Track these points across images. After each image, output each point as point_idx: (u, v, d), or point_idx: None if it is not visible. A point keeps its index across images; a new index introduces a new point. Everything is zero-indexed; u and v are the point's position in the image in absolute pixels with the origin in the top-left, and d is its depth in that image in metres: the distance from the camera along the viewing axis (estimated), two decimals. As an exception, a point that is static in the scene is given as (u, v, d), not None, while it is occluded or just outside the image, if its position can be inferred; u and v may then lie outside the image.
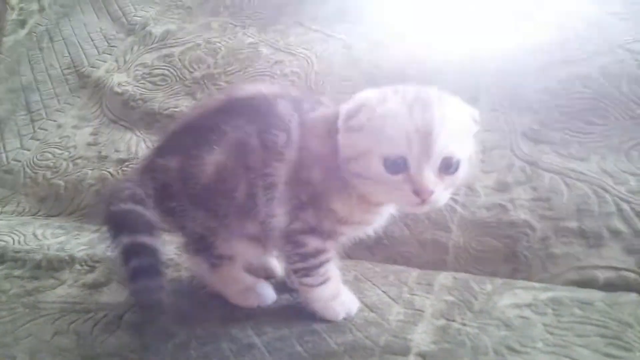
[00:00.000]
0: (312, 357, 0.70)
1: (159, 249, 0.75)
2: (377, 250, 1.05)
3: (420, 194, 0.65)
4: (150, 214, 0.77)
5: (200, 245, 0.81)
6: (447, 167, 0.67)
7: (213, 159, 0.75)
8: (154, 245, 0.75)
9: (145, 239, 0.74)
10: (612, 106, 1.09)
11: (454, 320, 0.77)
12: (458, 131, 0.68)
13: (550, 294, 0.82)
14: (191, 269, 0.93)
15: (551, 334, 0.73)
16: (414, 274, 0.93)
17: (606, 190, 0.97)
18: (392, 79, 1.15)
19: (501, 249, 0.97)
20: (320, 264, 0.77)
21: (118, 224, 0.75)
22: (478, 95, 1.20)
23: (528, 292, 0.84)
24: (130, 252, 0.73)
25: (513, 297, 0.83)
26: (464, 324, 0.76)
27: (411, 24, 1.44)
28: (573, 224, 0.95)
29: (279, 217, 0.75)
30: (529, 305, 0.80)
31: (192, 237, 0.82)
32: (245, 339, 0.74)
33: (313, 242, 0.76)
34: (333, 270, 0.80)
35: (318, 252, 0.77)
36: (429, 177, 0.65)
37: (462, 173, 0.69)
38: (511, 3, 1.37)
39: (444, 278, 0.91)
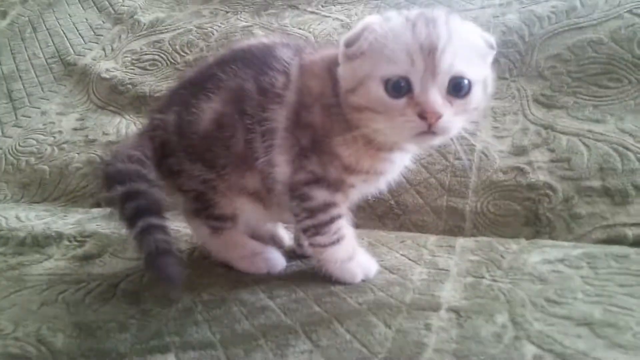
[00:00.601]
0: (334, 317, 0.63)
1: (157, 195, 0.69)
2: (389, 220, 0.99)
3: (426, 116, 0.58)
4: (148, 170, 0.71)
5: (200, 204, 0.75)
6: (457, 88, 0.60)
7: (209, 107, 0.71)
8: (151, 192, 0.68)
9: (142, 186, 0.68)
10: (625, 69, 1.05)
11: (483, 277, 0.71)
12: (468, 51, 0.61)
13: (581, 250, 0.77)
14: (193, 236, 0.86)
15: (591, 285, 0.66)
16: (432, 238, 0.87)
17: (628, 149, 0.93)
18: None
19: (521, 212, 0.92)
20: (331, 220, 0.70)
21: (114, 179, 0.69)
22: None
23: (558, 250, 0.78)
24: (127, 197, 0.67)
25: (542, 254, 0.77)
26: (495, 280, 0.70)
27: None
28: (596, 183, 0.90)
29: (281, 167, 0.69)
30: (561, 261, 0.74)
31: (191, 195, 0.76)
32: (257, 302, 0.67)
33: (320, 195, 0.69)
34: (346, 228, 0.73)
35: (327, 206, 0.70)
36: (436, 97, 0.58)
37: (475, 98, 0.62)
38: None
39: (465, 241, 0.85)
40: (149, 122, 0.81)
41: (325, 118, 0.66)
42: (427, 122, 0.58)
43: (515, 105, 1.08)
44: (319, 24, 1.44)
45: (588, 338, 0.56)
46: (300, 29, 1.45)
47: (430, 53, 0.58)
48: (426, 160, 1.02)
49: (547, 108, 1.06)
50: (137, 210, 0.65)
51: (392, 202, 0.99)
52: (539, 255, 0.77)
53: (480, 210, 0.94)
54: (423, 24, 0.59)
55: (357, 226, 0.93)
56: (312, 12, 1.52)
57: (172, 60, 1.50)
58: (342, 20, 1.43)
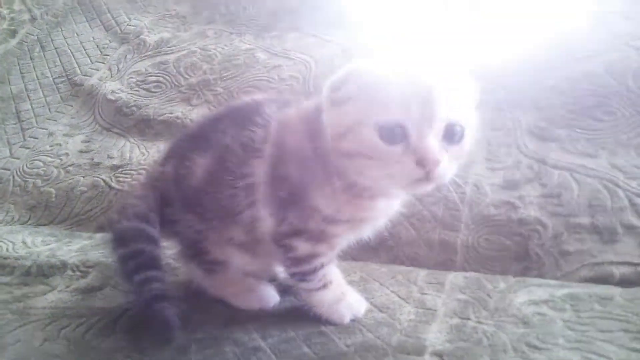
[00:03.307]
0: (321, 359, 0.65)
1: (158, 253, 0.75)
2: (383, 251, 1.01)
3: (425, 164, 0.58)
4: (152, 229, 0.76)
5: (194, 250, 0.79)
6: (452, 134, 0.59)
7: (202, 162, 0.75)
8: (153, 251, 0.74)
9: (144, 246, 0.74)
10: (619, 102, 1.07)
11: (468, 319, 0.73)
12: (460, 97, 0.61)
13: (566, 291, 0.79)
14: (188, 275, 0.89)
15: (572, 330, 0.68)
16: (422, 273, 0.90)
17: (618, 185, 0.94)
18: None
19: (512, 248, 0.94)
20: (315, 269, 0.72)
21: (120, 239, 0.75)
22: (481, 95, 1.18)
23: (543, 289, 0.80)
24: (129, 256, 0.73)
25: (528, 294, 0.79)
26: (480, 322, 0.72)
27: (410, 26, 1.42)
28: (585, 220, 0.92)
29: (265, 220, 0.71)
30: (545, 302, 0.76)
31: (186, 242, 0.80)
32: (249, 342, 0.70)
33: (302, 246, 0.71)
34: (333, 273, 0.76)
35: (310, 257, 0.72)
36: (433, 144, 0.58)
37: (467, 144, 0.62)
38: (512, 3, 1.36)
39: (454, 277, 0.87)
40: (152, 171, 0.86)
41: (301, 171, 0.68)
42: (425, 170, 0.58)
43: (509, 137, 1.10)
44: (320, 49, 1.47)
45: (564, 388, 0.58)
46: (301, 53, 1.48)
47: (426, 99, 0.58)
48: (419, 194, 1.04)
49: (541, 140, 1.07)
50: (135, 267, 0.70)
51: (386, 234, 1.01)
52: (525, 295, 0.79)
53: (471, 244, 0.96)
54: (416, 70, 0.60)
55: (351, 258, 0.97)
56: (314, 36, 1.54)
57: (176, 83, 1.53)
58: (342, 45, 1.45)
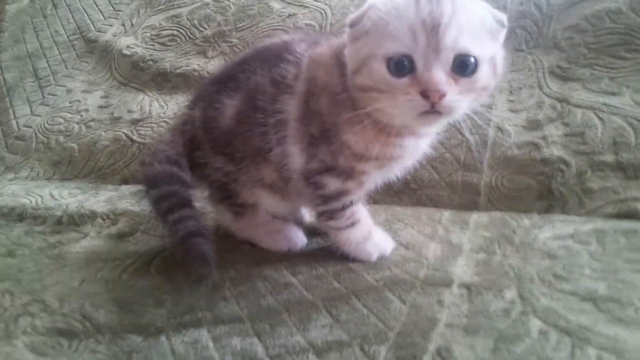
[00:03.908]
0: (352, 292, 0.67)
1: (190, 194, 0.77)
2: (405, 195, 1.02)
3: (428, 95, 0.57)
4: (183, 172, 0.78)
5: (223, 193, 0.81)
6: (463, 66, 0.59)
7: (231, 103, 0.75)
8: (184, 192, 0.76)
9: (174, 187, 0.75)
10: (643, 39, 1.05)
11: (494, 253, 0.75)
12: (475, 28, 0.59)
13: (591, 226, 0.79)
14: (217, 219, 0.90)
15: (598, 261, 0.70)
16: (446, 213, 0.91)
17: (642, 123, 0.94)
18: None
19: (535, 187, 0.94)
20: (344, 207, 0.74)
21: (151, 182, 0.76)
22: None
23: (568, 225, 0.81)
24: (162, 197, 0.75)
25: (553, 230, 0.80)
26: (506, 256, 0.73)
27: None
28: (609, 158, 0.92)
29: (295, 156, 0.72)
30: (571, 236, 0.77)
31: (215, 185, 0.81)
32: (280, 279, 0.72)
33: (332, 183, 0.72)
34: (361, 212, 0.77)
35: (339, 194, 0.73)
36: (439, 75, 0.57)
37: (483, 77, 0.61)
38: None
39: (478, 216, 0.88)
40: (180, 116, 0.87)
41: (332, 106, 0.68)
42: (430, 101, 0.58)
43: (531, 78, 1.09)
44: (334, -4, 1.44)
45: (591, 313, 0.59)
46: (316, 0, 1.45)
47: (433, 29, 0.57)
48: (442, 136, 1.04)
49: (562, 80, 1.06)
50: (169, 207, 0.72)
51: (409, 177, 1.02)
52: (550, 230, 0.80)
53: (494, 185, 0.97)
54: (427, 1, 0.59)
55: (375, 202, 0.98)
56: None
57: (191, 36, 1.51)
58: (358, -8, 1.42)
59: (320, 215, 0.76)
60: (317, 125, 0.69)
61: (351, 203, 0.74)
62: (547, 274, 0.67)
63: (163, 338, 0.60)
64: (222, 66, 0.86)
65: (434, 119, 0.62)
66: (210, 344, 0.59)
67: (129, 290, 0.71)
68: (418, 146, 0.73)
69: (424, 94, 0.58)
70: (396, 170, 0.76)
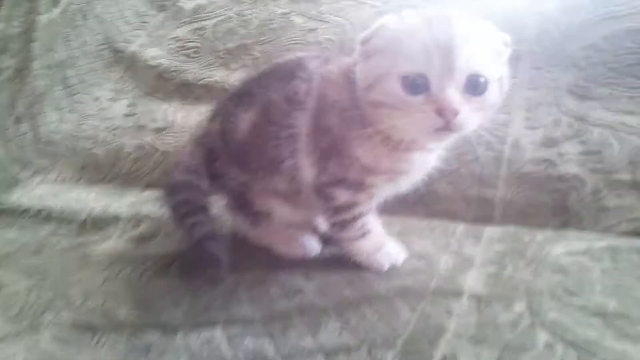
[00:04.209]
0: (362, 299, 0.69)
1: (206, 202, 0.81)
2: (420, 207, 1.03)
3: (443, 113, 0.60)
4: (201, 181, 0.82)
5: (239, 202, 0.84)
6: (474, 86, 0.62)
7: (246, 116, 0.78)
8: (201, 200, 0.81)
9: (193, 196, 0.80)
10: (662, 60, 1.05)
11: (505, 268, 0.75)
12: (484, 49, 0.63)
13: (605, 243, 0.80)
14: (235, 226, 0.93)
15: (610, 277, 0.70)
16: (460, 227, 0.92)
17: (660, 143, 0.94)
18: None
19: (550, 203, 0.94)
20: (354, 218, 0.76)
21: (172, 189, 0.82)
22: (519, 54, 1.17)
23: (582, 241, 0.81)
24: (179, 204, 0.80)
25: (566, 246, 0.80)
26: (516, 270, 0.74)
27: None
28: (626, 176, 0.92)
29: (306, 169, 0.75)
30: (583, 253, 0.77)
31: (232, 195, 0.84)
32: (293, 284, 0.74)
33: (342, 195, 0.74)
34: (372, 223, 0.79)
35: (349, 206, 0.75)
36: (453, 95, 0.60)
37: (492, 96, 0.64)
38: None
39: (492, 230, 0.89)
40: (200, 129, 0.90)
41: (342, 122, 0.71)
42: (445, 119, 0.61)
43: (549, 96, 1.09)
44: (355, 11, 1.47)
45: (600, 328, 0.60)
46: (336, 16, 1.48)
47: (447, 50, 0.60)
48: (458, 151, 1.05)
49: (580, 99, 1.07)
50: (185, 213, 0.77)
51: (424, 190, 1.03)
52: (563, 246, 0.80)
53: (509, 200, 0.97)
54: (439, 22, 0.61)
55: (390, 213, 1.00)
56: (350, -2, 1.54)
57: (214, 48, 1.55)
58: (377, 7, 1.45)
59: (332, 226, 0.78)
60: (327, 140, 0.72)
61: (360, 214, 0.76)
62: (557, 289, 0.68)
63: (179, 336, 0.63)
64: (240, 82, 0.90)
65: (445, 135, 0.66)
66: (224, 343, 0.61)
67: (148, 290, 0.74)
68: (426, 160, 0.76)
69: (439, 113, 0.61)
70: (405, 184, 0.78)
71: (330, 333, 0.62)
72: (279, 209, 0.81)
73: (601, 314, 0.62)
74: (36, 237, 0.93)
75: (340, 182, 0.73)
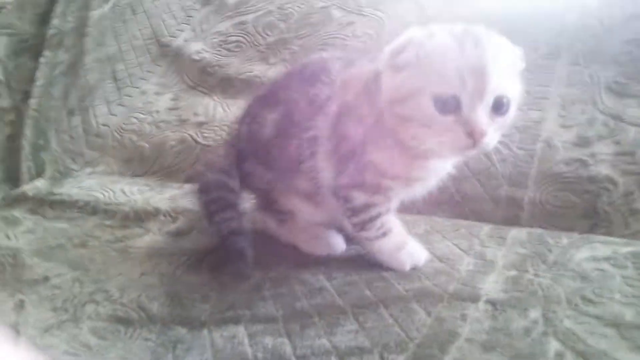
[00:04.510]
0: (380, 301, 0.71)
1: (236, 200, 0.86)
2: (449, 206, 1.04)
3: (473, 135, 0.63)
4: (232, 181, 0.86)
5: (266, 200, 0.88)
6: (499, 107, 0.64)
7: (271, 117, 0.82)
8: (231, 198, 0.85)
9: (224, 194, 0.85)
10: None
11: (526, 271, 0.76)
12: (507, 69, 0.65)
13: (631, 248, 0.79)
14: (263, 224, 0.97)
15: (630, 286, 0.70)
16: (486, 228, 0.92)
17: (699, 144, 0.91)
18: None
19: (579, 205, 0.93)
20: (372, 218, 0.78)
21: (205, 188, 0.87)
22: (559, 50, 1.15)
23: (607, 246, 0.80)
24: (211, 202, 0.85)
25: (591, 251, 0.80)
26: (537, 275, 0.75)
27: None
28: (660, 179, 0.90)
29: (325, 172, 0.77)
30: (607, 259, 0.77)
31: (259, 193, 0.89)
32: (316, 283, 0.77)
33: (359, 197, 0.76)
34: (392, 222, 0.81)
35: (367, 207, 0.77)
36: (482, 117, 0.63)
37: (512, 114, 0.66)
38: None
39: (517, 232, 0.89)
40: (232, 131, 0.95)
41: (360, 128, 0.73)
42: (473, 140, 0.63)
43: (585, 93, 1.07)
44: (394, 5, 1.46)
45: (613, 339, 0.60)
46: (375, 9, 1.49)
47: (479, 74, 0.62)
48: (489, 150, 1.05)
49: (618, 96, 1.04)
50: (215, 210, 0.82)
51: (453, 189, 1.04)
52: (588, 251, 0.80)
53: (538, 201, 0.97)
54: (471, 44, 0.63)
55: (418, 212, 1.02)
56: (388, -9, 1.53)
57: (255, 42, 1.59)
58: (417, 1, 1.44)
59: (353, 226, 0.80)
60: (346, 145, 0.74)
61: (379, 214, 0.78)
62: (575, 296, 0.68)
63: (205, 331, 0.68)
64: (267, 84, 0.93)
65: (470, 152, 0.68)
66: (246, 340, 0.65)
67: (180, 284, 0.79)
68: (442, 167, 0.77)
69: (469, 134, 0.63)
70: (420, 188, 0.79)
71: (346, 334, 0.65)
72: (301, 208, 0.84)
73: (616, 324, 0.62)
74: (83, 229, 1.01)
75: (357, 184, 0.76)
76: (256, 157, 0.85)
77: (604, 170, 0.94)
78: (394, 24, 1.41)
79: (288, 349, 0.63)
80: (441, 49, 0.64)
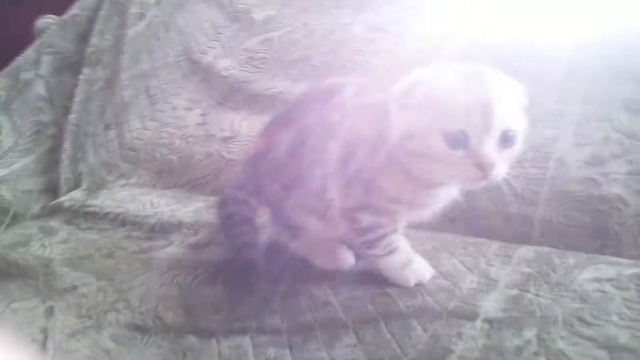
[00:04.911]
0: (381, 316, 0.74)
1: (252, 216, 0.91)
2: (460, 222, 1.06)
3: (483, 168, 0.66)
4: (250, 196, 0.92)
5: (280, 216, 0.92)
6: (506, 139, 0.67)
7: (284, 138, 0.86)
8: (247, 213, 0.91)
9: (241, 209, 0.91)
10: None
11: (527, 291, 0.77)
12: (512, 104, 0.69)
13: (636, 270, 0.79)
14: (277, 238, 1.01)
15: (629, 308, 0.70)
16: (494, 246, 0.94)
17: None
18: (486, 55, 1.16)
19: (590, 224, 0.94)
20: (378, 238, 0.81)
21: (223, 203, 0.93)
22: (574, 68, 1.15)
23: (612, 267, 0.81)
24: (227, 216, 0.92)
25: (595, 272, 0.80)
26: (538, 295, 0.76)
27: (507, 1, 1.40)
28: (672, 200, 0.89)
29: (333, 192, 0.80)
30: (610, 280, 0.77)
31: (274, 209, 0.93)
32: (322, 297, 0.81)
33: (366, 218, 0.79)
34: (399, 241, 0.84)
35: (373, 227, 0.80)
36: (491, 150, 0.66)
37: (519, 146, 0.70)
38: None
39: (525, 251, 0.90)
40: (250, 149, 1.01)
41: (369, 156, 0.76)
42: (483, 172, 0.67)
43: (601, 111, 1.07)
44: (414, 21, 1.49)
45: (603, 361, 0.61)
46: (396, 26, 1.52)
47: (485, 110, 0.66)
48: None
49: (636, 115, 1.04)
50: (232, 225, 0.88)
51: (465, 206, 1.06)
52: (592, 272, 0.80)
53: (549, 219, 0.98)
54: (475, 82, 0.67)
55: (430, 228, 1.04)
56: (409, 8, 1.56)
57: (280, 59, 1.64)
58: (436, 16, 1.47)
59: (360, 244, 0.83)
60: (354, 169, 0.78)
61: (386, 235, 0.81)
62: (572, 317, 0.70)
63: (214, 341, 0.72)
64: (285, 105, 0.98)
65: (480, 183, 0.71)
66: (250, 350, 0.70)
67: (196, 295, 0.85)
68: (448, 193, 0.80)
69: (478, 166, 0.67)
70: (426, 213, 0.82)
71: (344, 348, 0.68)
72: (312, 225, 0.88)
73: (608, 347, 0.63)
74: (112, 240, 1.07)
75: (364, 207, 0.79)
76: (271, 175, 0.89)
77: (615, 189, 0.94)
78: (414, 42, 1.44)
79: (288, 360, 0.67)
80: (448, 88, 0.68)
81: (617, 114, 1.05)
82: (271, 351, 0.69)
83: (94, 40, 1.95)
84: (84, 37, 1.98)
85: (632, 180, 0.94)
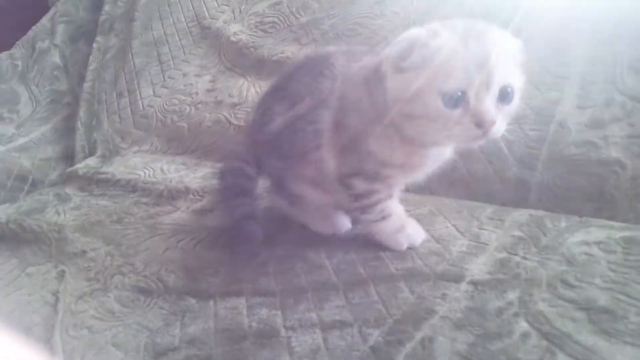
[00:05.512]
0: (371, 279, 0.77)
1: (251, 186, 0.93)
2: (459, 186, 1.07)
3: (482, 125, 0.67)
4: (249, 167, 0.93)
5: (278, 185, 0.95)
6: (504, 96, 0.67)
7: (279, 110, 0.87)
8: (246, 184, 0.93)
9: (240, 180, 0.92)
10: None
11: (516, 254, 0.79)
12: (510, 60, 0.68)
13: (626, 233, 0.80)
14: (276, 204, 1.04)
15: (613, 271, 0.71)
16: (488, 209, 0.95)
17: None
18: (495, 16, 1.14)
19: (587, 188, 0.94)
20: (373, 204, 0.83)
21: (223, 174, 0.95)
22: (581, 26, 1.12)
23: (603, 231, 0.82)
24: (227, 187, 0.94)
25: (585, 235, 0.81)
26: (525, 258, 0.78)
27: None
28: (670, 163, 0.88)
29: (328, 161, 0.82)
30: (598, 243, 0.78)
31: (272, 179, 0.96)
32: (317, 261, 0.84)
33: (360, 184, 0.81)
34: (393, 206, 0.86)
35: (368, 193, 0.82)
36: (490, 107, 0.67)
37: (516, 102, 0.70)
38: None
39: (519, 215, 0.91)
40: (249, 120, 1.01)
41: (360, 122, 0.77)
42: (483, 130, 0.67)
43: (606, 73, 1.05)
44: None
45: (580, 322, 0.63)
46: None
47: (485, 68, 0.65)
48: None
49: (640, 76, 1.01)
50: (231, 195, 0.89)
51: (464, 170, 1.07)
52: (582, 235, 0.81)
53: (546, 183, 0.98)
54: (473, 39, 0.66)
55: (429, 192, 1.05)
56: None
57: (289, 23, 1.64)
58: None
59: (354, 209, 0.86)
60: (347, 137, 0.79)
61: (380, 200, 0.83)
62: (556, 280, 0.71)
63: (211, 302, 0.76)
64: (278, 76, 0.98)
65: (479, 141, 0.71)
66: (244, 311, 0.74)
67: (197, 259, 0.89)
68: (441, 153, 0.80)
69: (478, 124, 0.67)
70: (420, 175, 0.83)
71: (333, 309, 0.71)
72: (310, 193, 0.91)
73: (587, 308, 0.65)
74: (122, 206, 1.12)
75: (358, 173, 0.81)
76: (267, 146, 0.91)
77: (614, 153, 0.94)
78: (423, 2, 1.41)
79: (279, 320, 0.71)
80: (446, 47, 0.67)
81: (622, 75, 1.03)
82: (264, 312, 0.73)
83: (106, 7, 1.97)
84: (97, 5, 2.00)
85: (632, 143, 0.93)
